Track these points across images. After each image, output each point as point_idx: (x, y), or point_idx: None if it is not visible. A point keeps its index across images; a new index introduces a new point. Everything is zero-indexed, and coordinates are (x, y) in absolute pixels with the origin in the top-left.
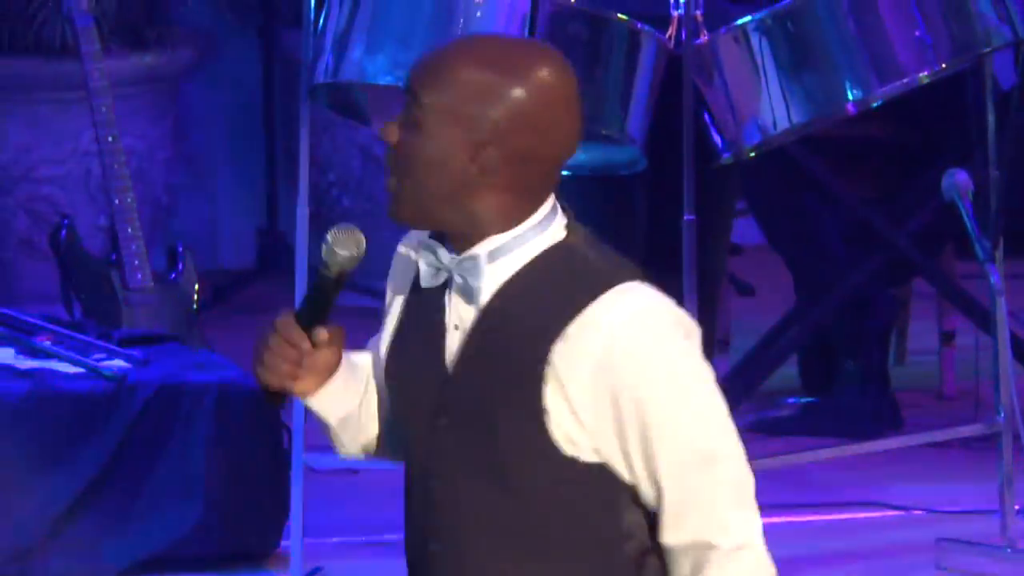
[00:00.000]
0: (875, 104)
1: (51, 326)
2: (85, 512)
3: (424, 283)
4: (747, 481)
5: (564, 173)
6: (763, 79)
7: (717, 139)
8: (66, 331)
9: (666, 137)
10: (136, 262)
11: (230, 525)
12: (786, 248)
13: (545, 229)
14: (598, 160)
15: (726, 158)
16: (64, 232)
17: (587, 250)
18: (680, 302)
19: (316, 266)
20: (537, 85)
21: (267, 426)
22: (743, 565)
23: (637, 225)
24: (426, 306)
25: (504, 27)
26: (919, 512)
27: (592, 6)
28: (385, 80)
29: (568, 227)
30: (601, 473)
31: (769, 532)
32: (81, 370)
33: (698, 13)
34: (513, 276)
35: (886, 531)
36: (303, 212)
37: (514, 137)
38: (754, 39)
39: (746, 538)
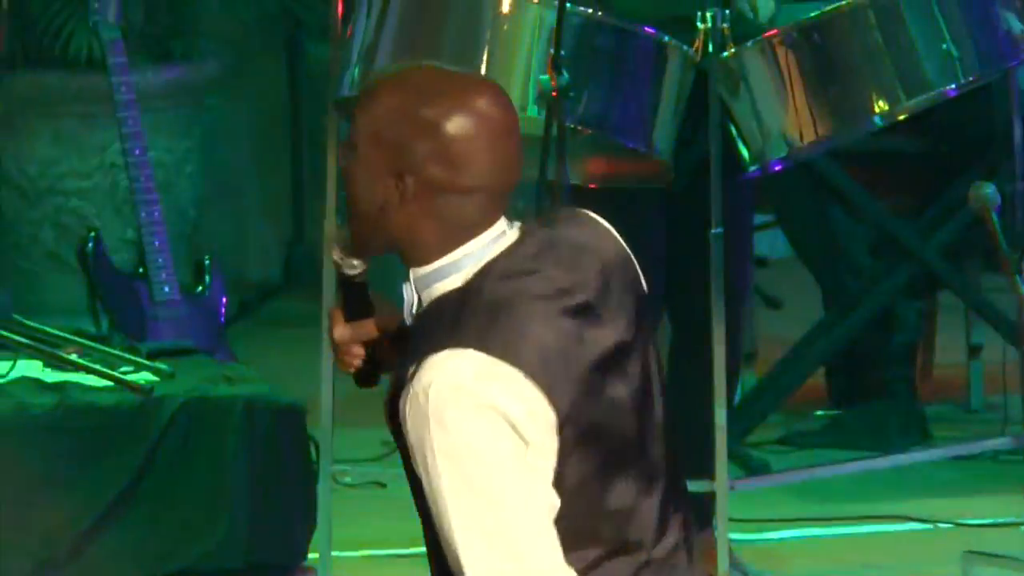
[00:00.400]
0: (901, 117)
1: (78, 339)
2: (112, 525)
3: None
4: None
5: (589, 186)
6: (789, 92)
7: (743, 152)
8: (93, 344)
9: (692, 150)
10: (163, 275)
11: (257, 538)
12: (813, 261)
13: (462, 268)
14: (625, 173)
15: (752, 171)
16: (91, 245)
17: (471, 300)
18: (707, 315)
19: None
20: (459, 117)
21: (294, 439)
22: None
23: (655, 239)
24: None
25: (530, 40)
26: (946, 525)
27: (619, 19)
28: None
29: (484, 265)
30: None
31: (796, 545)
32: (108, 383)
33: (725, 26)
34: (421, 312)
35: (913, 544)
36: (330, 225)
37: (431, 167)
38: (781, 52)
39: None
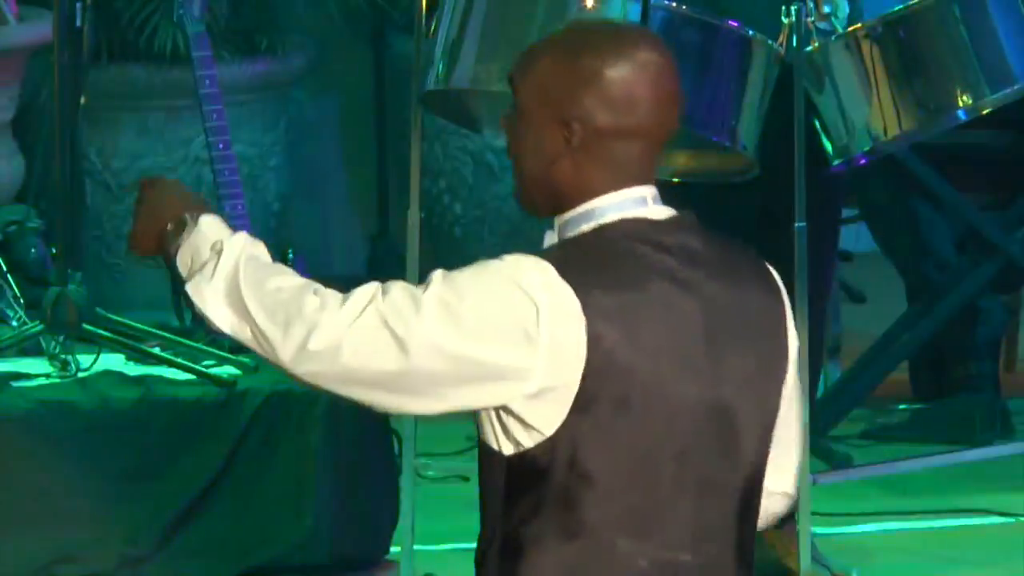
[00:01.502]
0: (986, 111)
1: (161, 332)
2: (196, 520)
3: None
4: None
5: (673, 181)
6: (874, 86)
7: (827, 146)
8: (176, 338)
9: (776, 144)
10: None
11: (341, 532)
12: (898, 255)
13: (604, 215)
14: (710, 167)
15: (836, 165)
16: None
17: (583, 240)
18: (804, 305)
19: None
20: (619, 63)
21: (377, 433)
22: None
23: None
24: None
25: None
26: None
27: (704, 13)
28: (497, 87)
29: (624, 220)
30: None
31: (879, 539)
32: (191, 377)
33: (809, 20)
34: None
35: (996, 538)
36: (414, 219)
37: (597, 113)
38: (865, 46)
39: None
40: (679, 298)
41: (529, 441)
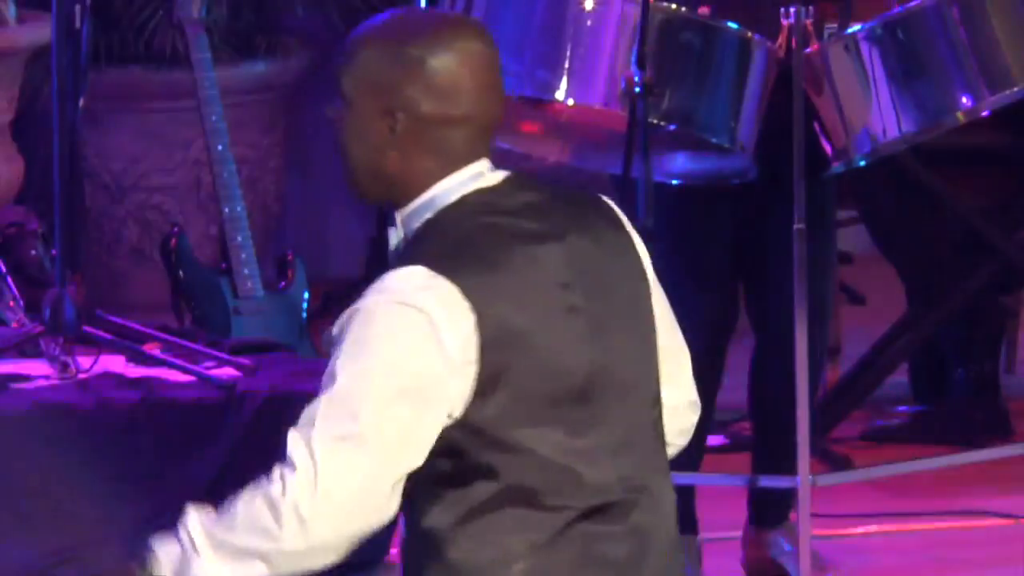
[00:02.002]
0: (986, 113)
1: (161, 334)
2: None
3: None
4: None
5: (673, 183)
6: (873, 88)
7: (827, 148)
8: (176, 339)
9: (775, 146)
10: (246, 271)
11: None
12: (898, 257)
13: (448, 199)
14: (709, 169)
15: (836, 167)
16: (175, 241)
17: (439, 225)
18: (786, 311)
19: None
20: (443, 52)
21: None
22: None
23: (743, 235)
24: None
25: (615, 36)
26: None
27: (703, 14)
28: None
29: (466, 194)
30: None
31: (878, 540)
32: (191, 379)
33: (808, 21)
34: (398, 243)
35: (996, 538)
36: None
37: (421, 102)
38: (864, 48)
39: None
40: (542, 252)
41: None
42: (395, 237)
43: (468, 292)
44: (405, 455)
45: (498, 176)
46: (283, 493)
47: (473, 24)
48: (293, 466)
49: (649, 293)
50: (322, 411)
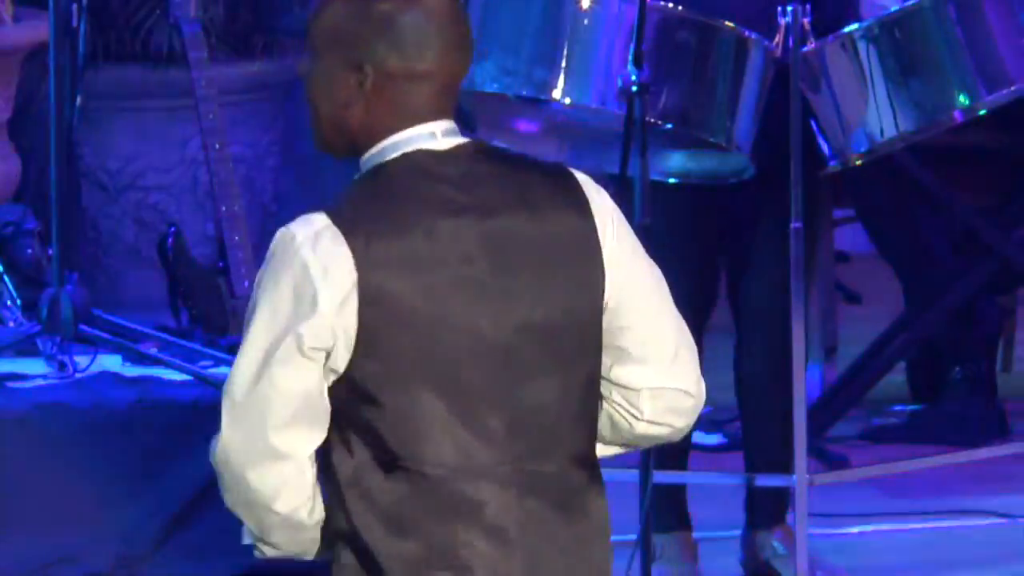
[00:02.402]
0: (983, 112)
1: (158, 333)
2: (192, 520)
3: None
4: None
5: (669, 181)
6: (870, 87)
7: (824, 147)
8: (173, 338)
9: (772, 145)
10: (243, 269)
11: None
12: (894, 256)
13: (397, 151)
14: (705, 168)
15: (833, 166)
16: (171, 240)
17: (367, 178)
18: (775, 307)
19: None
20: (410, 8)
21: None
22: None
23: (738, 233)
24: None
25: (611, 34)
26: None
27: (700, 14)
28: (492, 87)
29: (412, 153)
30: None
31: (876, 539)
32: (188, 378)
33: (806, 20)
34: None
35: (992, 538)
36: None
37: (388, 57)
38: (862, 47)
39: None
40: (452, 224)
41: (330, 380)
42: None
43: (356, 252)
44: (280, 407)
45: (452, 141)
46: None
47: None
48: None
49: (597, 277)
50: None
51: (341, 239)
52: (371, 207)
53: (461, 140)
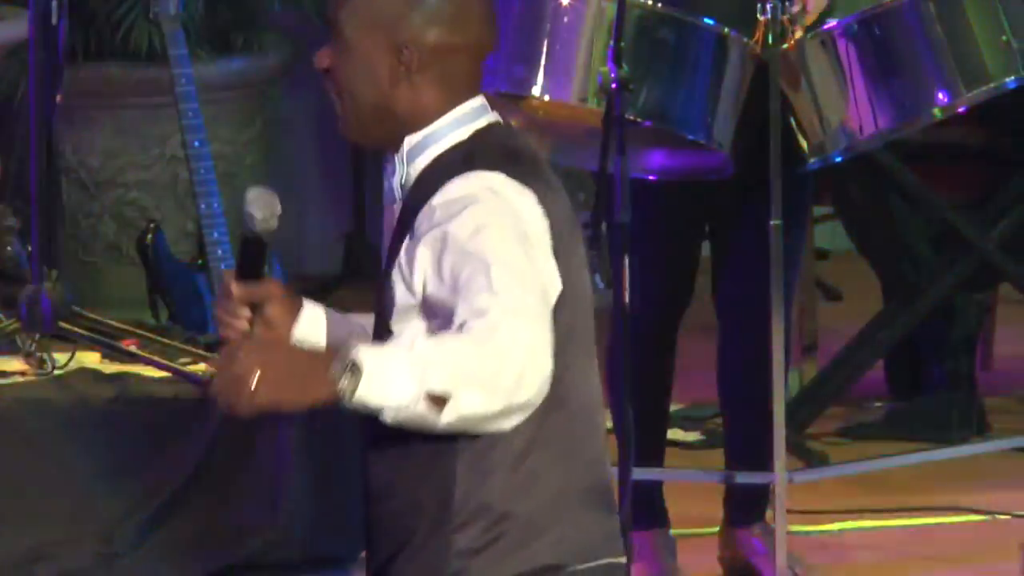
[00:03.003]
0: (962, 109)
1: (137, 331)
2: (171, 517)
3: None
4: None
5: (650, 178)
6: (850, 84)
7: (804, 144)
8: (152, 335)
9: (752, 142)
10: (223, 267)
11: (315, 530)
12: (874, 253)
13: (462, 125)
14: (685, 165)
15: (813, 163)
16: (151, 237)
17: (482, 145)
18: (758, 306)
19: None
20: None
21: (351, 431)
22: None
23: (718, 230)
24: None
25: (591, 31)
26: (1004, 516)
27: (680, 11)
28: None
29: (485, 125)
30: None
31: (855, 536)
32: (167, 375)
33: (784, 17)
34: (423, 172)
35: (971, 534)
36: (389, 217)
37: (429, 32)
38: (841, 44)
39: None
40: (562, 194)
41: None
42: (399, 172)
43: (542, 201)
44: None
45: (498, 116)
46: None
47: None
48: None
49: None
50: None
51: (526, 188)
52: (521, 164)
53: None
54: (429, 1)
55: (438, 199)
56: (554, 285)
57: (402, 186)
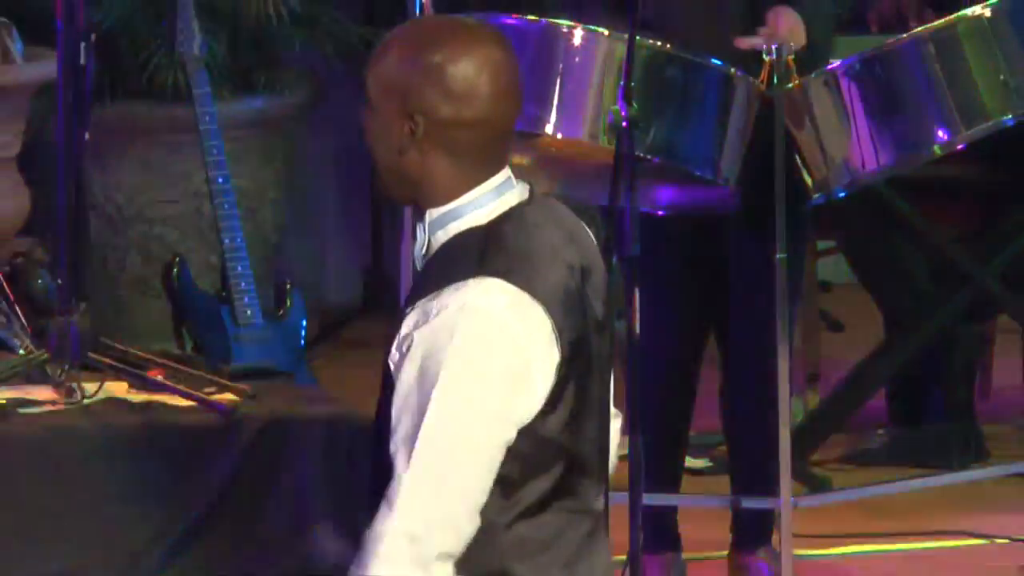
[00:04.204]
0: (961, 146)
1: (163, 361)
2: (197, 541)
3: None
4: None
5: (658, 213)
6: (852, 122)
7: (808, 180)
8: (178, 366)
9: (757, 177)
10: (246, 299)
11: (338, 552)
12: (875, 285)
13: (481, 206)
14: (692, 200)
15: (816, 198)
16: (176, 270)
17: (494, 235)
18: (762, 336)
19: None
20: (461, 58)
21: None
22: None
23: (724, 263)
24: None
25: (601, 71)
26: (1003, 540)
27: (688, 51)
28: None
29: (508, 208)
30: None
31: (857, 560)
32: (192, 404)
33: (790, 58)
34: (442, 246)
35: (971, 559)
36: (406, 252)
37: (438, 105)
38: (844, 83)
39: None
40: (570, 269)
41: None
42: (420, 239)
43: (550, 312)
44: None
45: (523, 187)
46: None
47: (491, 30)
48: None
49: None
50: (417, 473)
51: (530, 299)
52: (528, 265)
53: (526, 185)
54: (443, 77)
55: (443, 303)
56: (538, 402)
57: (423, 255)
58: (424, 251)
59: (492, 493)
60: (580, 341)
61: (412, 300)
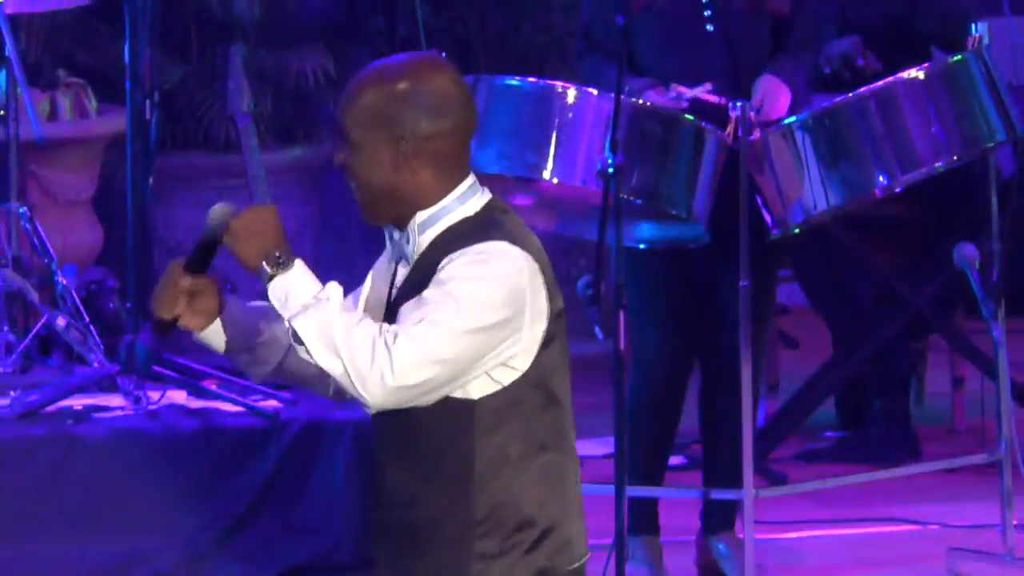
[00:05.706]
0: (899, 189)
1: (216, 372)
2: (246, 528)
3: (385, 261)
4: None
5: (640, 247)
6: (806, 168)
7: (768, 218)
8: (229, 376)
9: (725, 216)
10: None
11: (366, 536)
12: (825, 308)
13: (465, 202)
14: (669, 236)
15: (775, 234)
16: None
17: (488, 220)
18: (736, 353)
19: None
20: (427, 79)
21: None
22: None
23: (698, 290)
24: (384, 276)
25: (592, 125)
26: (934, 526)
27: (665, 108)
28: (493, 169)
29: (487, 202)
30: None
31: (810, 544)
32: (241, 409)
33: (752, 114)
34: (435, 239)
35: (906, 542)
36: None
37: (420, 123)
38: (798, 135)
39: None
40: (542, 253)
41: (506, 379)
42: (412, 240)
43: (545, 278)
44: (469, 373)
45: (486, 190)
46: (388, 358)
47: (437, 57)
48: (400, 349)
49: None
50: (432, 320)
51: (532, 260)
52: (521, 239)
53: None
54: (415, 97)
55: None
56: (540, 322)
57: (413, 252)
58: (414, 249)
59: (511, 429)
60: (560, 313)
61: (413, 283)
